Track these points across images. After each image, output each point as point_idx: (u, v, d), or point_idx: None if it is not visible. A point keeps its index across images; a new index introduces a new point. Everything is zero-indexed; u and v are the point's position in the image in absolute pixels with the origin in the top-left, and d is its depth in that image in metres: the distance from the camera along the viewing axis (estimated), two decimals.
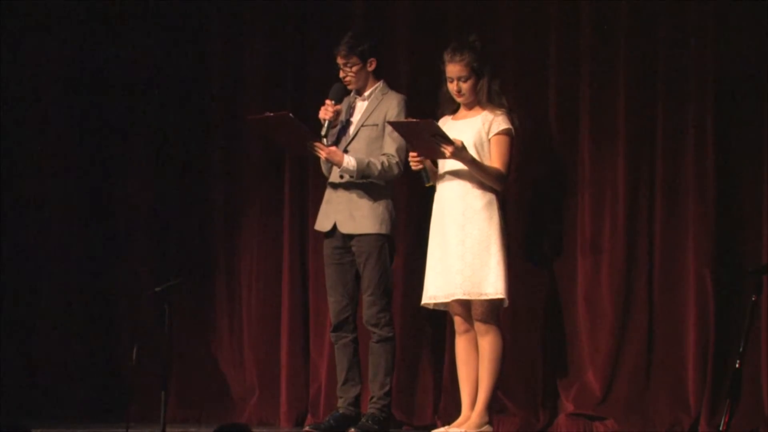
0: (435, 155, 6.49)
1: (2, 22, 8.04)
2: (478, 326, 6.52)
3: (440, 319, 7.15)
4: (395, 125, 6.55)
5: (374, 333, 6.77)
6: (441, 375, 7.33)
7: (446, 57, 6.55)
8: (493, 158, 6.51)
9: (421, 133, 6.39)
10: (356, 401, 6.88)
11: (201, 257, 8.00)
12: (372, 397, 6.80)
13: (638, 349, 6.98)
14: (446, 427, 6.63)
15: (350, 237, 6.78)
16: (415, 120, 6.45)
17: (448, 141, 6.36)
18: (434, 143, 6.37)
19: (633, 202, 7.02)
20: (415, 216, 7.22)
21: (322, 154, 6.72)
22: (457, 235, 6.47)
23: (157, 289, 6.24)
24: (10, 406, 7.71)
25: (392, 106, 6.76)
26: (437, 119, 6.57)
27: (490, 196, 6.49)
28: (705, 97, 6.87)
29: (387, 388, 6.78)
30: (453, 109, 6.64)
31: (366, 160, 6.68)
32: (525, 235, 7.20)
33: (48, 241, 8.14)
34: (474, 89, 6.55)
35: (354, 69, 6.77)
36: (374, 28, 7.38)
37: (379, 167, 6.68)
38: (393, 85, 6.92)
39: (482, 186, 6.48)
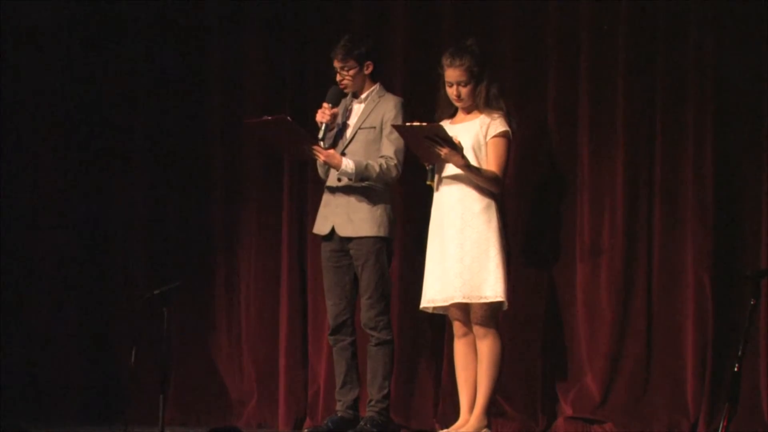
0: (435, 159, 6.48)
1: (1, 27, 8.05)
2: (477, 330, 6.51)
3: (439, 323, 7.14)
4: (400, 129, 6.52)
5: (373, 336, 6.76)
6: (440, 378, 7.32)
7: (445, 61, 6.53)
8: (490, 161, 6.49)
9: (425, 136, 6.37)
10: (355, 404, 6.87)
11: (200, 260, 8.00)
12: (370, 401, 6.79)
13: (637, 352, 6.97)
14: (445, 430, 6.61)
15: (348, 240, 6.77)
16: (422, 124, 6.42)
17: (452, 145, 6.35)
18: (435, 147, 6.35)
19: (632, 206, 7.01)
20: (413, 219, 7.21)
21: (321, 157, 6.71)
22: (456, 239, 6.46)
23: (155, 291, 6.24)
24: (9, 408, 7.71)
25: (389, 108, 6.75)
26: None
27: (488, 200, 6.47)
28: (704, 99, 6.87)
29: (385, 391, 6.77)
30: (451, 112, 6.63)
31: (364, 163, 6.67)
32: (524, 239, 7.19)
33: (47, 243, 8.14)
34: (473, 94, 6.53)
35: (351, 72, 6.76)
36: (371, 31, 7.37)
37: (378, 169, 6.67)
38: (389, 88, 6.91)
39: (481, 189, 6.47)
